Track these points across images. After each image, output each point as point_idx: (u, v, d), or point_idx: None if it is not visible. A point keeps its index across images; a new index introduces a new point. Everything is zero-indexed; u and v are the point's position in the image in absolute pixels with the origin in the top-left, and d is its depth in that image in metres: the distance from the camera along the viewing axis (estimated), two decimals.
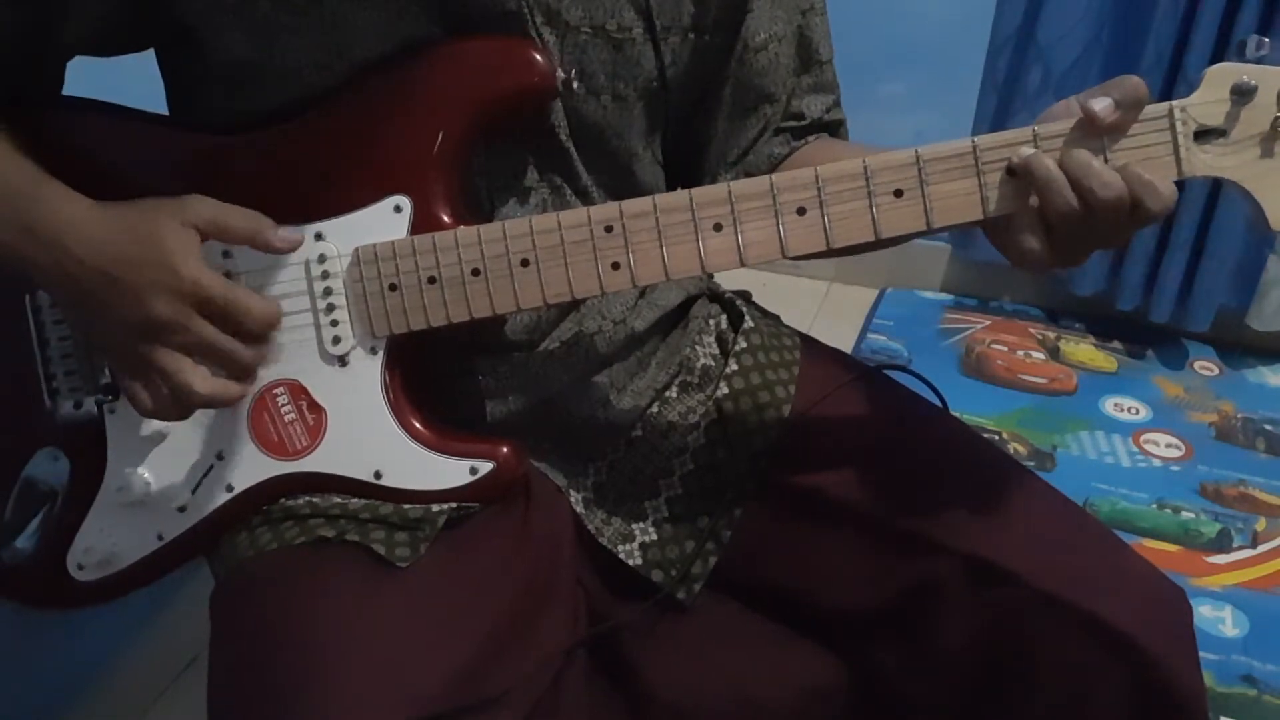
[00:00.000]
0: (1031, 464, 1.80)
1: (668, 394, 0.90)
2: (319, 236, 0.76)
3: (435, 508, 0.78)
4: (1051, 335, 2.20)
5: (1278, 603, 1.55)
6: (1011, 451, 1.83)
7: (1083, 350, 2.16)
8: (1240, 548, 1.66)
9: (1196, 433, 1.93)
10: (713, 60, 0.84)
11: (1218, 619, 1.52)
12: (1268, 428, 1.94)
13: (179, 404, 0.73)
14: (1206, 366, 2.13)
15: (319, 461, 0.78)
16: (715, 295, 0.96)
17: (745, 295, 0.99)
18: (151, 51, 0.82)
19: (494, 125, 0.77)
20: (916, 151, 0.70)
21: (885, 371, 0.93)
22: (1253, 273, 2.05)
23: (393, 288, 0.76)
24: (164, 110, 0.84)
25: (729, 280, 0.96)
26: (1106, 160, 0.68)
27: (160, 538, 0.80)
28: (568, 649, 0.79)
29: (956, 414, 0.91)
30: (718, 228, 0.72)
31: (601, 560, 0.86)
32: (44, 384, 0.81)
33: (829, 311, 2.29)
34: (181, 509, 0.80)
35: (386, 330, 0.77)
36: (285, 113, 0.76)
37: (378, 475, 0.78)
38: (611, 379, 0.86)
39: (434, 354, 0.80)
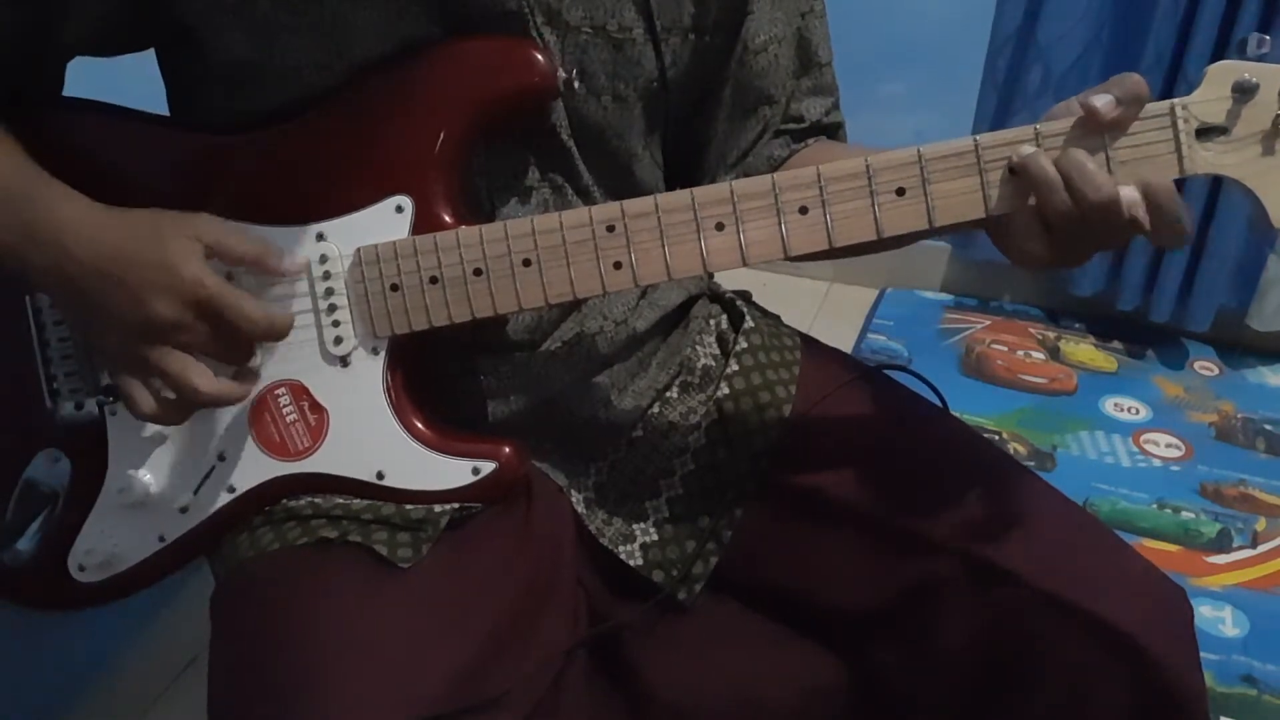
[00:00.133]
0: (1031, 464, 1.80)
1: (668, 394, 0.90)
2: (320, 237, 0.76)
3: (437, 508, 0.78)
4: (1051, 335, 2.20)
5: (1278, 603, 1.55)
6: (1011, 451, 1.82)
7: (1083, 350, 2.16)
8: (1240, 548, 1.66)
9: (1196, 433, 1.93)
10: (712, 61, 0.84)
11: (1218, 619, 1.52)
12: (1268, 428, 1.94)
13: (181, 405, 0.73)
14: (1206, 366, 2.13)
15: (321, 462, 0.78)
16: (716, 295, 0.96)
17: (746, 295, 0.99)
18: (151, 51, 0.82)
19: (495, 125, 0.77)
20: (918, 150, 0.70)
21: (885, 371, 0.93)
22: (1253, 273, 2.05)
23: (394, 288, 0.76)
24: (164, 110, 0.84)
25: (729, 280, 0.96)
26: (1108, 157, 0.68)
27: (162, 539, 0.80)
28: (568, 649, 0.79)
29: (956, 414, 0.91)
30: (720, 227, 0.72)
31: (602, 560, 0.86)
32: (45, 385, 0.81)
33: (829, 311, 2.29)
34: (183, 510, 0.80)
35: (388, 330, 0.77)
36: (285, 113, 0.76)
37: (380, 476, 0.78)
38: (612, 379, 0.86)
39: (436, 354, 0.80)
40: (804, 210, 0.71)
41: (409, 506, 0.78)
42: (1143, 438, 1.90)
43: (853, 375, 0.90)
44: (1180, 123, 0.68)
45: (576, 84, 0.77)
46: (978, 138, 0.69)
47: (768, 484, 0.86)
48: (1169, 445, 1.89)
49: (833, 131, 0.92)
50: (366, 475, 0.78)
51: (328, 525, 0.77)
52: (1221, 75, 0.68)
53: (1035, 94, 2.05)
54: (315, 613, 0.73)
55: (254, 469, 0.79)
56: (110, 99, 0.80)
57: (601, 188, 0.83)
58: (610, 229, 0.73)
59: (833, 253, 0.73)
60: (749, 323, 0.92)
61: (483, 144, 0.78)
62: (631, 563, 0.85)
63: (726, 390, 0.89)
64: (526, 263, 0.74)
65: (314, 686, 0.68)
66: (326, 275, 0.77)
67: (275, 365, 0.77)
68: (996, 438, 1.88)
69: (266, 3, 0.73)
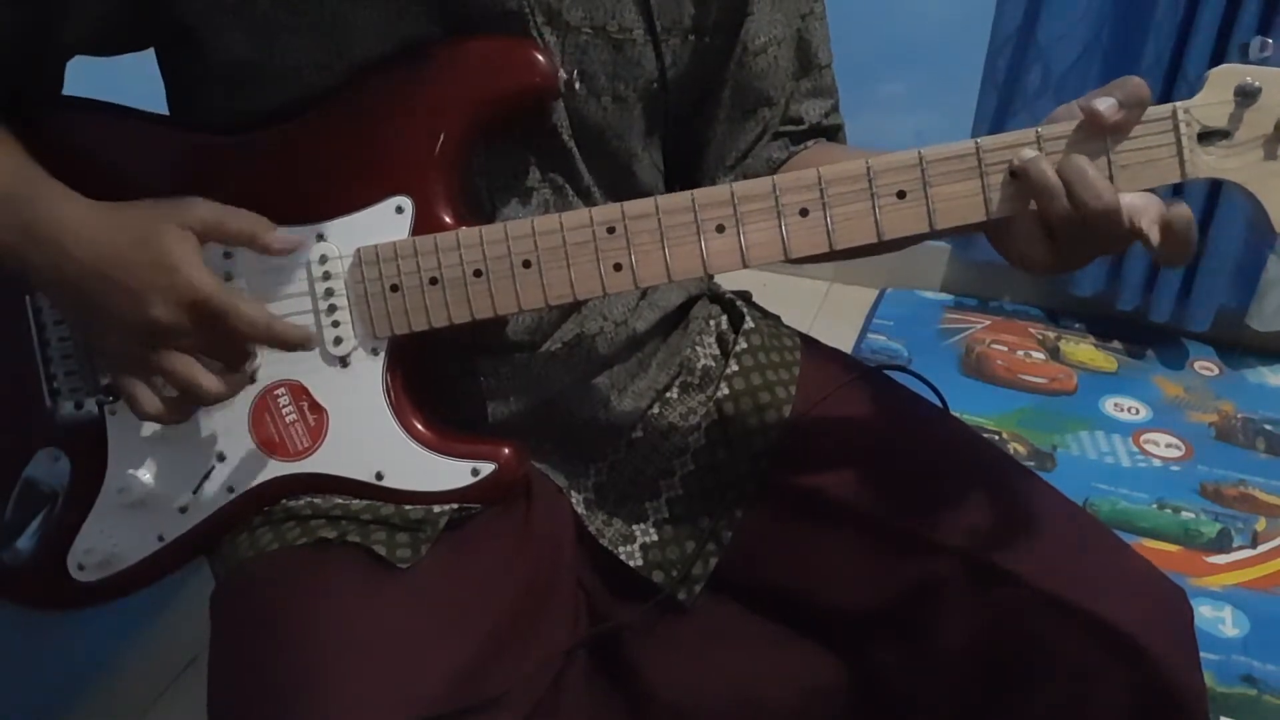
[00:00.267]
0: (1031, 464, 1.80)
1: (668, 395, 0.90)
2: (320, 237, 0.76)
3: (437, 508, 0.78)
4: (1051, 335, 2.20)
5: (1278, 603, 1.55)
6: (1011, 451, 1.83)
7: (1083, 350, 2.16)
8: (1240, 548, 1.66)
9: (1196, 433, 1.93)
10: (712, 62, 0.84)
11: (1218, 619, 1.52)
12: (1268, 428, 1.94)
13: (183, 404, 0.73)
14: (1206, 366, 2.13)
15: (320, 462, 0.78)
16: (716, 296, 0.96)
17: (745, 296, 0.99)
18: (151, 51, 0.82)
19: (495, 125, 0.77)
20: (919, 153, 0.70)
21: (885, 371, 0.93)
22: (1253, 273, 2.05)
23: (394, 288, 0.76)
24: (164, 110, 0.84)
25: (729, 281, 0.96)
26: (1110, 161, 0.68)
27: (161, 538, 0.80)
28: (568, 649, 0.79)
29: (956, 414, 0.91)
30: (720, 229, 0.72)
31: (602, 561, 0.86)
32: (44, 384, 0.81)
33: (829, 311, 2.29)
34: (182, 510, 0.80)
35: (388, 331, 0.77)
36: (285, 113, 0.76)
37: (379, 476, 0.78)
38: (612, 380, 0.86)
39: (435, 355, 0.80)
40: (804, 212, 0.71)
41: (408, 507, 0.78)
42: (1143, 438, 1.90)
43: (853, 375, 0.90)
44: (1182, 126, 0.68)
45: (577, 84, 0.77)
46: (979, 140, 0.69)
47: (768, 484, 0.86)
48: (1169, 445, 1.89)
49: (832, 134, 0.92)
50: (366, 476, 0.78)
51: (327, 525, 0.77)
52: (1223, 79, 0.68)
53: (1035, 94, 2.05)
54: (314, 613, 0.73)
55: (253, 469, 0.79)
56: (110, 99, 0.80)
57: (602, 188, 0.83)
58: (610, 230, 0.73)
59: (833, 255, 0.73)
60: (749, 323, 0.92)
61: (483, 144, 0.78)
62: (631, 563, 0.85)
63: (726, 391, 0.89)
64: (526, 264, 0.74)
65: (313, 686, 0.68)
66: (326, 275, 0.77)
67: (275, 365, 0.77)
68: (996, 438, 1.88)
69: (266, 2, 0.73)
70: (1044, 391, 2.03)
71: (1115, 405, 1.99)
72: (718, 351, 0.92)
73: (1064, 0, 1.98)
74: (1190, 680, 0.76)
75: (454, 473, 0.78)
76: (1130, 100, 0.67)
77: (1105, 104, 0.67)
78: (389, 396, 0.78)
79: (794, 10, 0.86)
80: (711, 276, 0.96)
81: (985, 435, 1.43)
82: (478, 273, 0.75)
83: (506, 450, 0.79)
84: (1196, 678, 0.77)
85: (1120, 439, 1.90)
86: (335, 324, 0.77)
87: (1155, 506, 1.74)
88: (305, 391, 0.78)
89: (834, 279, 2.39)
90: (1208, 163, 0.69)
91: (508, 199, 0.80)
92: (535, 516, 0.82)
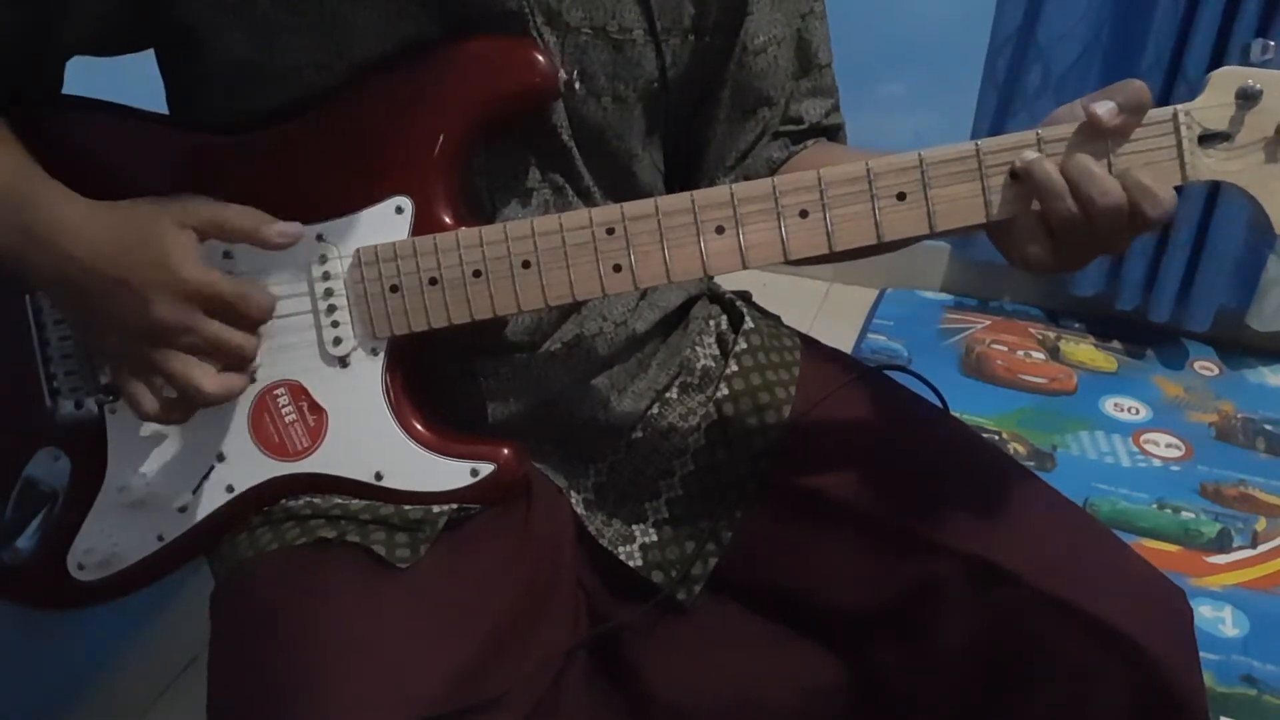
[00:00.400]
0: (1031, 464, 1.80)
1: (668, 395, 0.90)
2: (320, 237, 0.76)
3: (436, 509, 0.78)
4: (1051, 335, 2.20)
5: (1278, 603, 1.55)
6: (1011, 451, 1.83)
7: (1083, 350, 2.16)
8: (1240, 548, 1.66)
9: (1196, 433, 1.93)
10: (712, 62, 0.84)
11: (1218, 619, 1.52)
12: (1268, 428, 1.94)
13: (183, 404, 0.73)
14: (1206, 366, 2.13)
15: (319, 462, 0.78)
16: (715, 296, 0.96)
17: (745, 296, 0.99)
18: (151, 51, 0.82)
19: (495, 125, 0.77)
20: (919, 154, 0.70)
21: (885, 372, 0.93)
22: (1253, 273, 2.05)
23: (394, 289, 0.76)
24: (164, 110, 0.84)
25: (729, 281, 0.96)
26: (1111, 164, 0.68)
27: (161, 538, 0.80)
28: (568, 650, 0.79)
29: (956, 414, 0.91)
30: (720, 230, 0.72)
31: (602, 561, 0.86)
32: (44, 384, 0.81)
33: (829, 312, 2.29)
34: (182, 509, 0.79)
35: (387, 331, 0.77)
36: (285, 113, 0.76)
37: (378, 476, 0.78)
38: (612, 380, 0.86)
39: (435, 355, 0.80)
40: (804, 214, 0.71)
41: (407, 507, 0.78)
42: (1143, 438, 1.90)
43: (853, 376, 0.90)
44: (1183, 129, 0.68)
45: (576, 85, 0.77)
46: (979, 142, 0.69)
47: (767, 485, 0.86)
48: (1169, 445, 1.89)
49: (832, 133, 0.92)
50: (365, 476, 0.78)
51: (326, 525, 0.77)
52: (1225, 81, 0.68)
53: (1035, 94, 2.05)
54: (314, 613, 0.73)
55: (253, 469, 0.79)
56: (110, 99, 0.80)
57: (602, 189, 0.83)
58: (610, 231, 0.73)
59: (832, 256, 0.73)
60: (749, 323, 0.92)
61: (483, 145, 0.78)
62: (631, 564, 0.85)
63: (726, 391, 0.89)
64: (526, 264, 0.74)
65: (313, 686, 0.68)
66: (326, 276, 0.77)
67: (274, 366, 0.77)
68: (996, 438, 1.88)
69: (266, 3, 0.73)
70: (1044, 391, 2.03)
71: (1115, 405, 1.99)
72: (717, 352, 0.92)
73: (1064, 0, 1.98)
74: (1190, 680, 0.76)
75: (453, 473, 0.78)
76: (1130, 104, 0.67)
77: (1104, 108, 0.67)
78: (388, 397, 0.78)
79: (794, 10, 0.86)
80: (711, 277, 0.96)
81: (985, 435, 1.43)
82: (477, 273, 0.75)
83: (506, 451, 0.79)
84: (1196, 678, 0.77)
85: (1120, 439, 1.90)
86: (335, 324, 0.77)
87: (1155, 506, 1.74)
88: (305, 392, 0.78)
89: (834, 279, 2.39)
90: (1209, 165, 0.69)
91: (507, 199, 0.80)
92: (535, 517, 0.82)
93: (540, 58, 0.75)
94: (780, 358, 0.91)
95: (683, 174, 0.89)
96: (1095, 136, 0.68)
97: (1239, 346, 2.15)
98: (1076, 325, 2.24)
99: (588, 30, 0.77)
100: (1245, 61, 0.68)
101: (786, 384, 0.89)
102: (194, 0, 0.74)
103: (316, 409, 0.78)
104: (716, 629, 0.86)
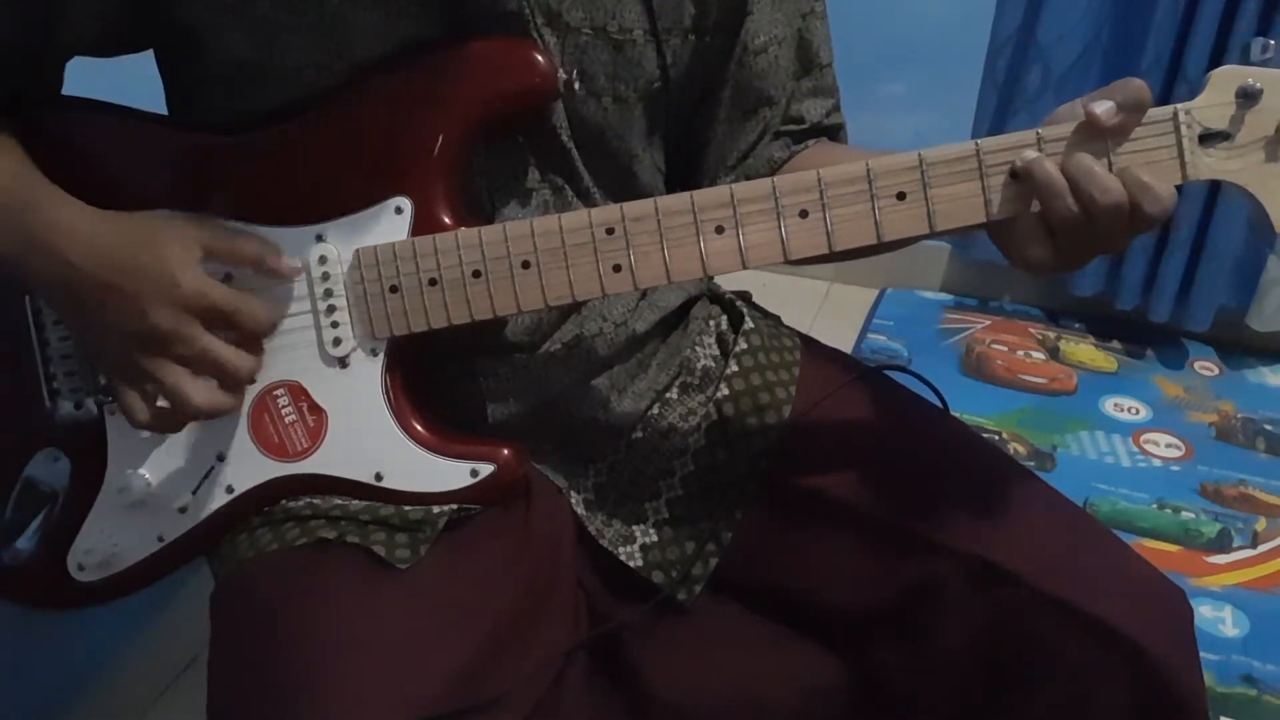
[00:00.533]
0: (1031, 464, 1.80)
1: (668, 395, 0.90)
2: (319, 238, 0.76)
3: (436, 509, 0.78)
4: (1051, 335, 2.20)
5: (1278, 603, 1.55)
6: (1011, 451, 1.82)
7: (1083, 350, 2.16)
8: (1240, 548, 1.66)
9: (1196, 433, 1.93)
10: (712, 62, 0.84)
11: (1218, 619, 1.52)
12: (1268, 428, 1.94)
13: (175, 415, 0.73)
14: (1206, 366, 2.13)
15: (319, 463, 0.78)
16: (715, 296, 0.96)
17: (745, 296, 0.99)
18: (151, 51, 0.82)
19: (495, 126, 0.77)
20: (919, 154, 0.70)
21: (885, 372, 0.93)
22: (1253, 273, 2.05)
23: (393, 289, 0.76)
24: (164, 110, 0.84)
25: (729, 281, 0.96)
26: (1111, 163, 0.68)
27: (161, 539, 0.80)
28: (568, 650, 0.79)
29: (956, 414, 0.91)
30: (720, 230, 0.72)
31: (602, 561, 0.86)
32: (44, 384, 0.81)
33: (829, 312, 2.29)
34: (182, 510, 0.80)
35: (387, 332, 0.77)
36: (285, 113, 0.76)
37: (378, 477, 0.78)
38: (612, 381, 0.86)
39: (435, 356, 0.80)
40: (804, 214, 0.71)
41: (407, 508, 0.78)
42: (1143, 438, 1.90)
43: (853, 376, 0.90)
44: (1183, 128, 0.68)
45: (576, 85, 0.77)
46: (979, 142, 0.69)
47: (768, 485, 0.86)
48: (1169, 445, 1.89)
49: (833, 133, 0.92)
50: (365, 476, 0.78)
51: (326, 526, 0.77)
52: (1225, 80, 0.68)
53: (1035, 94, 2.04)
54: (314, 613, 0.73)
55: (253, 469, 0.79)
56: (110, 99, 0.80)
57: (602, 189, 0.83)
58: (609, 232, 0.73)
59: (832, 256, 0.73)
60: (749, 323, 0.92)
61: (482, 145, 0.78)
62: (631, 564, 0.85)
63: (726, 391, 0.89)
64: (525, 265, 0.74)
65: (313, 686, 0.68)
66: (325, 276, 0.76)
67: (274, 366, 0.77)
68: (996, 438, 1.88)
69: (266, 3, 0.73)
70: (1044, 391, 2.03)
71: (1115, 405, 1.99)
72: (717, 352, 0.92)
73: (1064, 0, 1.98)
74: (1190, 680, 0.76)
75: (453, 474, 0.78)
76: (1129, 103, 0.67)
77: (1103, 107, 0.67)
78: (388, 397, 0.78)
79: (794, 9, 0.86)
80: (711, 277, 0.96)
81: (985, 435, 1.43)
82: (477, 274, 0.74)
83: (506, 451, 0.79)
84: (1196, 678, 0.77)
85: (1120, 439, 1.90)
86: (334, 325, 0.77)
87: (1155, 506, 1.74)
88: (304, 392, 0.78)
89: (834, 279, 2.39)
90: (1209, 165, 0.69)
91: (507, 200, 0.80)
92: (535, 517, 0.82)
93: (540, 58, 0.75)
94: (780, 358, 0.91)
95: (683, 174, 0.89)
96: (1095, 136, 0.68)
97: (1239, 346, 2.15)
98: (1076, 325, 2.24)
99: (588, 30, 0.77)
100: (1245, 60, 0.68)
101: (786, 384, 0.89)
102: (194, 0, 0.74)
103: (316, 409, 0.78)
104: (717, 629, 0.86)
